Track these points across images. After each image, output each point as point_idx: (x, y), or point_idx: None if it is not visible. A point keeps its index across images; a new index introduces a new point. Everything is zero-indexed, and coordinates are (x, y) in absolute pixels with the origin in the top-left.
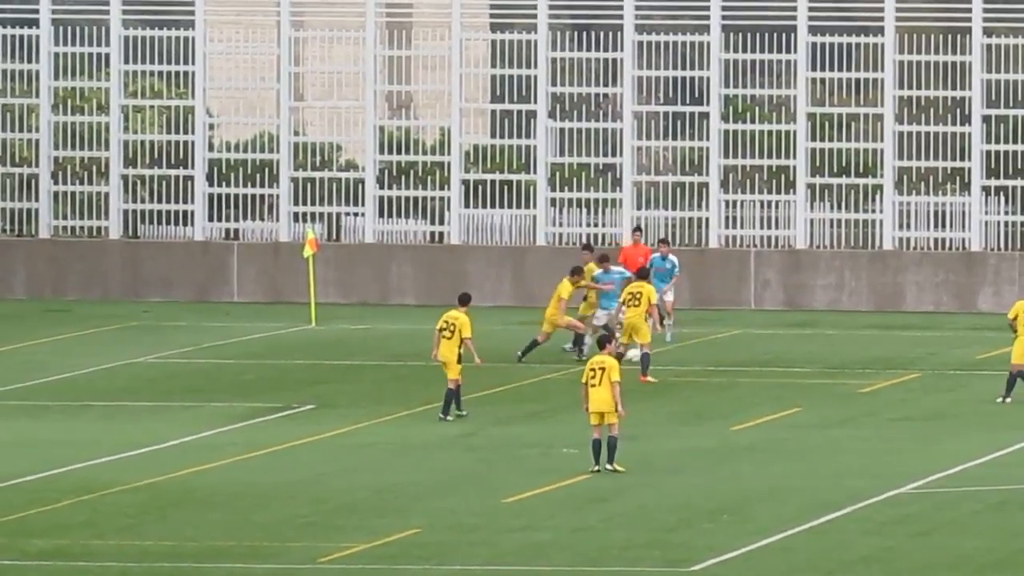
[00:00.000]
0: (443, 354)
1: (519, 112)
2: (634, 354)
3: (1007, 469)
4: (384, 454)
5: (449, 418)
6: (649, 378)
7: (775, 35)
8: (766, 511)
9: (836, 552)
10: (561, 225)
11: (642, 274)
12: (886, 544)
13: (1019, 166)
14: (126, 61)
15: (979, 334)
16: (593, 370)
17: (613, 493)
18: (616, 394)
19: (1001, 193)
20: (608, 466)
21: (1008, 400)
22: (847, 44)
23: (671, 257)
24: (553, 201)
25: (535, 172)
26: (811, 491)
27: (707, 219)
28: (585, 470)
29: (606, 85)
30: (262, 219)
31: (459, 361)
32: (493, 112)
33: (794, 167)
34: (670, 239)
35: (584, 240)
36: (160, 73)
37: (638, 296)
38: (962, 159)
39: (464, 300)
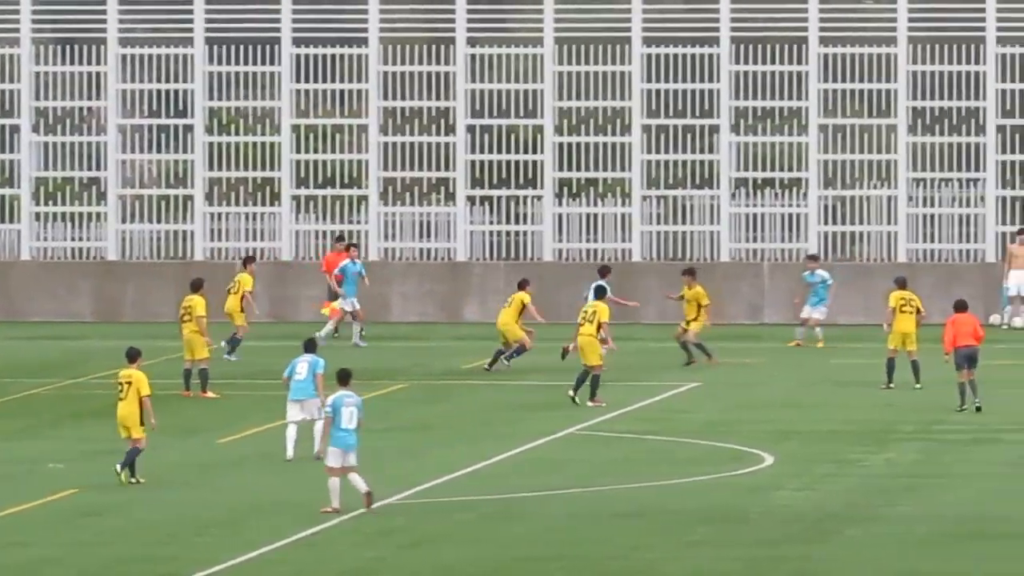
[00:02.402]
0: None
1: (3, 127)
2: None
3: (495, 479)
4: None
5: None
6: (209, 393)
7: (260, 47)
8: (255, 523)
9: (326, 564)
10: (47, 239)
11: (194, 286)
12: (375, 555)
13: (503, 176)
14: None
15: (465, 344)
16: (120, 384)
17: (105, 508)
18: (148, 407)
19: (486, 203)
20: (132, 479)
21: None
22: (332, 55)
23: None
24: (38, 215)
25: (19, 186)
26: (300, 503)
27: (192, 232)
28: (75, 484)
29: (91, 99)
30: None
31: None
32: None
33: (279, 179)
34: (161, 252)
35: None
36: None
37: (188, 310)
38: (447, 169)
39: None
